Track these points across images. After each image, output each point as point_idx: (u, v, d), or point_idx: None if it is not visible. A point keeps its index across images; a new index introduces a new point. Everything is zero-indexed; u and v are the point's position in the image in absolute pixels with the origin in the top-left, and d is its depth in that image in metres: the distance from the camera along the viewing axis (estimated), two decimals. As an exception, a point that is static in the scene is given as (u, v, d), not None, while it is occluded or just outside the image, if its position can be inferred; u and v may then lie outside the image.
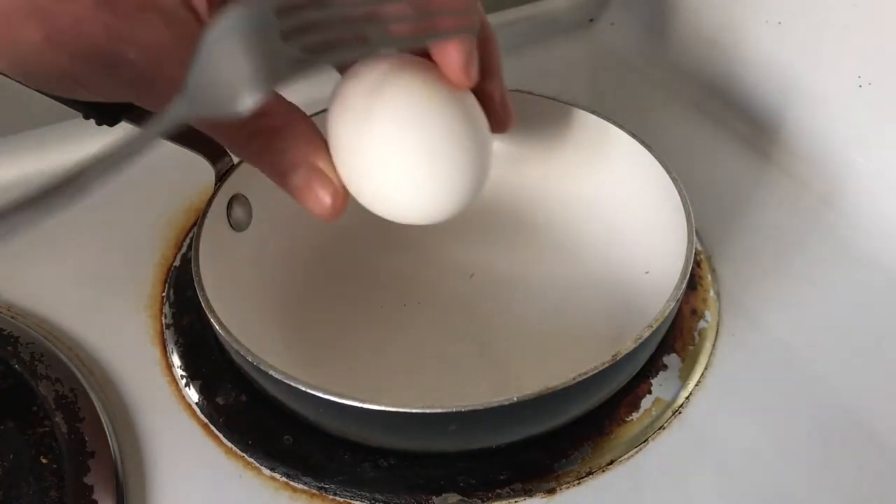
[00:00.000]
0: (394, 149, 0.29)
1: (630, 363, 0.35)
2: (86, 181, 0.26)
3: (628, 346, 0.32)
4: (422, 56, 0.31)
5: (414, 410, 0.30)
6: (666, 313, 0.34)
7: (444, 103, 0.30)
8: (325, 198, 0.31)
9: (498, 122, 0.33)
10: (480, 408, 0.30)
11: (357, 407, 0.30)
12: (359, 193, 0.31)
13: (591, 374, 0.31)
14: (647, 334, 0.33)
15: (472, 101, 0.31)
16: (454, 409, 0.30)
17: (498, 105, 0.33)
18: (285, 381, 0.31)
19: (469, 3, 0.30)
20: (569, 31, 0.61)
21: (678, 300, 0.34)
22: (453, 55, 0.29)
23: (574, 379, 0.31)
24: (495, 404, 0.30)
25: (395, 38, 0.28)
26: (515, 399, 0.30)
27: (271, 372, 0.32)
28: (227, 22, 0.25)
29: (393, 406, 0.30)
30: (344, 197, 0.31)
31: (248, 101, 0.26)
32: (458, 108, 0.30)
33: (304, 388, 0.31)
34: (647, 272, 0.40)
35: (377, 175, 0.30)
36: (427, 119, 0.29)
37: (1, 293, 0.43)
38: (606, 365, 0.31)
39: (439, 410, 0.30)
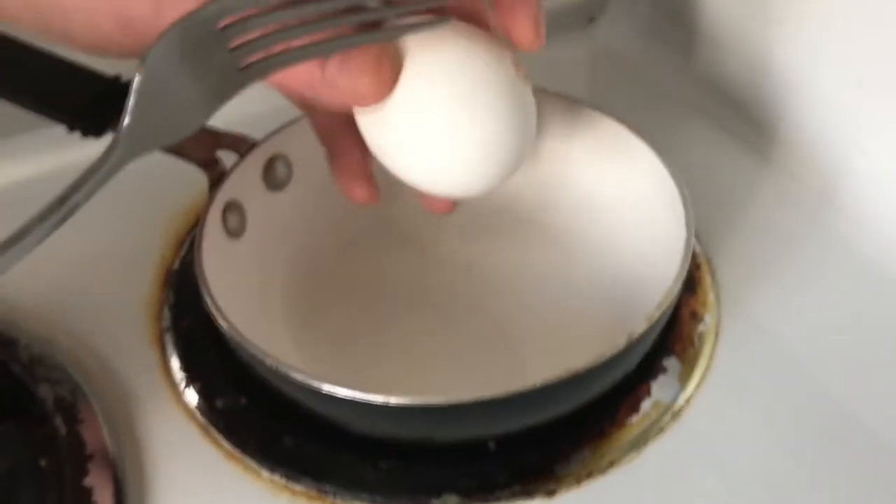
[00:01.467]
0: (434, 118, 0.29)
1: (640, 346, 0.35)
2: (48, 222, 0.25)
3: (641, 326, 0.33)
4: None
5: (440, 402, 0.31)
6: (673, 293, 0.34)
7: (490, 74, 0.29)
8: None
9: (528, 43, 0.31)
10: (504, 395, 0.30)
11: (381, 403, 0.31)
12: (395, 165, 0.31)
13: (609, 356, 0.32)
14: (657, 314, 0.33)
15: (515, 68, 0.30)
16: (477, 399, 0.30)
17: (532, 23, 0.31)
18: (308, 381, 0.31)
19: None
20: (569, 30, 0.61)
21: (683, 281, 0.34)
22: (523, 18, 0.29)
23: (594, 361, 0.31)
24: (518, 391, 0.30)
25: (352, 36, 0.27)
26: (538, 385, 0.30)
27: (292, 374, 0.32)
28: (166, 44, 0.24)
29: (417, 400, 0.30)
30: None
31: (199, 121, 0.26)
32: (503, 77, 0.29)
33: (327, 389, 0.31)
34: (644, 259, 0.40)
35: (416, 146, 0.29)
36: (472, 88, 0.29)
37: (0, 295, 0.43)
38: (622, 346, 0.32)
39: (464, 400, 0.30)
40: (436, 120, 0.29)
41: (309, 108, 0.35)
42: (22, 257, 0.26)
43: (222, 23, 0.25)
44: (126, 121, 0.25)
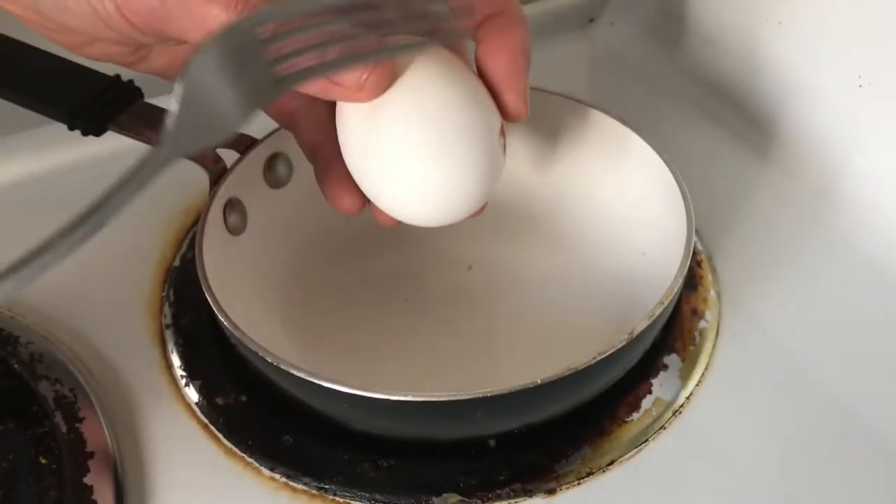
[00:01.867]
0: (403, 149, 0.29)
1: (642, 342, 0.35)
2: (83, 231, 0.26)
3: (643, 322, 0.33)
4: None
5: (441, 399, 0.31)
6: (675, 290, 0.34)
7: (459, 101, 0.30)
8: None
9: (512, 112, 0.32)
10: (506, 392, 0.30)
11: (384, 399, 0.31)
12: (367, 191, 0.31)
13: (610, 352, 0.32)
14: (658, 311, 0.33)
15: (486, 96, 0.31)
16: (480, 395, 0.30)
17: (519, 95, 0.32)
18: (308, 378, 0.31)
19: (465, 4, 0.30)
20: (569, 31, 0.61)
21: (684, 278, 0.34)
22: (513, 89, 0.31)
23: (595, 359, 0.31)
24: (520, 388, 0.30)
25: (381, 48, 0.28)
26: (539, 381, 0.30)
27: (293, 371, 0.32)
28: (208, 52, 0.25)
29: (420, 396, 0.31)
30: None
31: (234, 128, 0.26)
32: (472, 106, 0.30)
33: (328, 386, 0.31)
34: (643, 253, 0.40)
35: (386, 176, 0.30)
36: (440, 119, 0.29)
37: None
38: (624, 343, 0.32)
39: (466, 397, 0.30)
40: (412, 162, 0.30)
41: (293, 125, 0.36)
42: (55, 264, 0.26)
43: (261, 33, 0.26)
44: (169, 125, 0.25)
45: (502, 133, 0.32)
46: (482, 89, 0.31)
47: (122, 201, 0.26)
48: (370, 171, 0.31)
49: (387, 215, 0.34)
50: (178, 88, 0.25)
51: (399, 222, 0.34)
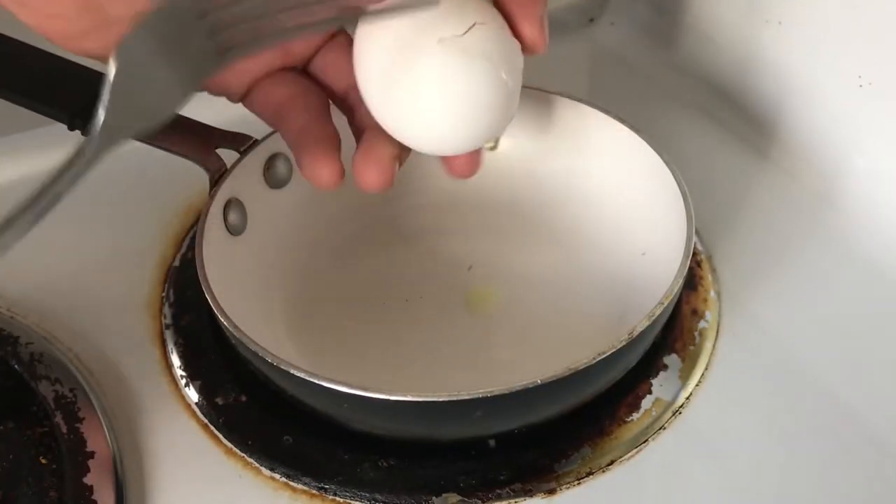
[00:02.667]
0: (429, 78, 0.29)
1: (642, 342, 0.35)
2: (31, 212, 0.25)
3: (643, 323, 0.33)
4: None
5: (442, 399, 0.31)
6: (675, 290, 0.34)
7: (479, 31, 0.29)
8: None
9: (528, 42, 0.32)
10: (506, 392, 0.30)
11: (384, 399, 0.31)
12: (391, 123, 0.31)
13: (610, 352, 0.32)
14: (658, 311, 0.33)
15: (504, 27, 0.31)
16: (480, 395, 0.30)
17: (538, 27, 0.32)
18: (308, 378, 0.31)
19: None
20: (569, 31, 0.61)
21: (684, 278, 0.34)
22: (530, 18, 0.30)
23: (595, 359, 0.31)
24: (520, 388, 0.30)
25: (325, 19, 0.27)
26: (539, 382, 0.31)
27: (293, 371, 0.32)
28: (141, 32, 0.24)
29: (420, 396, 0.31)
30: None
31: (173, 109, 0.26)
32: (492, 36, 0.30)
33: (328, 386, 0.31)
34: (643, 253, 0.40)
35: (411, 104, 0.30)
36: (458, 52, 0.29)
37: (0, 293, 0.43)
38: (624, 343, 0.32)
39: (466, 397, 0.30)
40: (427, 77, 0.29)
41: (280, 117, 0.34)
42: (2, 253, 0.25)
43: (198, 6, 0.25)
44: (101, 113, 0.25)
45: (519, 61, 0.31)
46: (500, 19, 0.31)
47: (57, 196, 0.25)
48: (395, 101, 0.30)
49: (458, 164, 0.33)
50: (109, 71, 0.24)
51: (473, 168, 0.33)
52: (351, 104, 0.34)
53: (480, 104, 0.30)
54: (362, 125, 0.33)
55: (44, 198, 0.25)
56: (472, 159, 0.34)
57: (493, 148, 0.35)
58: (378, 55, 0.30)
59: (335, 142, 0.33)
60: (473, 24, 0.29)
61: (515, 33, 0.31)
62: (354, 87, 0.32)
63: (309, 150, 0.33)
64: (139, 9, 0.30)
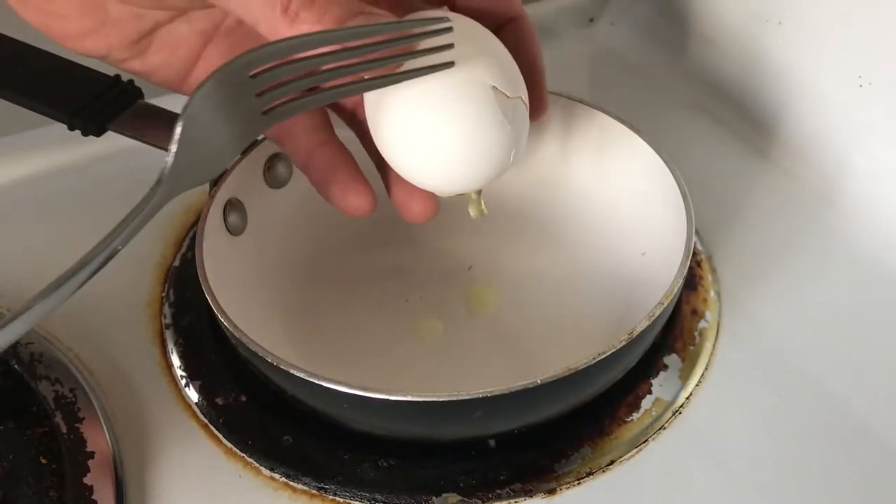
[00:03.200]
0: (441, 121, 0.30)
1: (642, 343, 0.35)
2: (87, 270, 0.28)
3: (643, 323, 0.33)
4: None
5: (442, 399, 0.31)
6: (675, 290, 0.34)
7: (491, 74, 0.30)
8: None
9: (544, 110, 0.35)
10: (506, 392, 0.30)
11: (384, 399, 0.31)
12: (395, 163, 0.32)
13: (610, 352, 0.32)
14: (658, 311, 0.33)
15: (515, 68, 0.31)
16: (480, 395, 0.30)
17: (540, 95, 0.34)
18: (308, 379, 0.31)
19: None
20: (569, 31, 0.61)
21: (684, 278, 0.34)
22: (538, 87, 0.33)
23: (595, 359, 0.31)
24: (520, 388, 0.30)
25: (368, 81, 0.29)
26: (539, 381, 0.30)
27: (293, 371, 0.32)
28: (205, 93, 0.26)
29: (420, 396, 0.30)
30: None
31: (227, 164, 0.29)
32: (505, 78, 0.30)
33: (328, 386, 0.31)
34: (643, 253, 0.40)
35: (415, 145, 0.30)
36: (468, 92, 0.30)
37: (0, 293, 0.43)
38: (623, 343, 0.32)
39: (466, 397, 0.30)
40: (428, 115, 0.30)
41: (284, 135, 0.35)
42: (64, 300, 0.28)
43: (252, 71, 0.27)
44: (170, 165, 0.27)
45: (526, 104, 0.32)
46: (511, 63, 0.32)
47: (127, 238, 0.28)
48: (407, 144, 0.31)
49: (413, 208, 0.34)
50: (177, 128, 0.26)
51: (429, 213, 0.34)
52: (361, 120, 0.34)
53: (481, 145, 0.30)
54: None
55: (102, 251, 0.28)
56: (427, 207, 0.34)
57: (478, 210, 0.36)
58: (389, 101, 0.30)
59: (354, 164, 0.34)
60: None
61: (535, 97, 0.33)
62: (360, 104, 0.33)
63: (333, 178, 0.33)
64: (139, 10, 0.31)
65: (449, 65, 0.29)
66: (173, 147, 0.27)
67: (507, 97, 0.30)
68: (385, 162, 0.33)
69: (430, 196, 0.34)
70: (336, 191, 0.33)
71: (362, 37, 0.27)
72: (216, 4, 0.28)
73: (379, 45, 0.27)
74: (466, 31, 0.31)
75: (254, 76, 0.27)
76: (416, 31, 0.28)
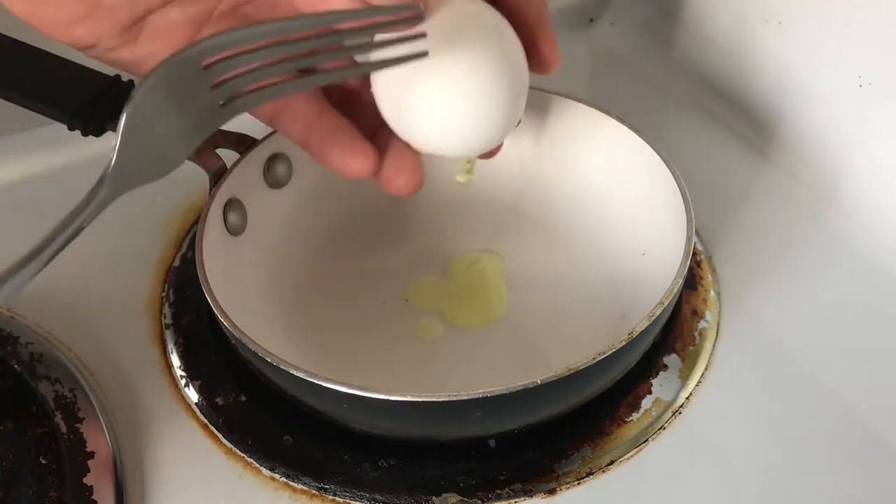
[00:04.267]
0: (444, 87, 0.30)
1: (642, 342, 0.35)
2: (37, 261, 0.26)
3: (643, 323, 0.33)
4: None
5: (441, 399, 0.31)
6: (675, 290, 0.34)
7: (488, 42, 0.30)
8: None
9: (544, 63, 0.33)
10: (505, 392, 0.30)
11: (384, 399, 0.31)
12: (399, 126, 0.32)
13: (610, 352, 0.32)
14: (658, 311, 0.33)
15: (514, 41, 0.32)
16: (480, 395, 0.30)
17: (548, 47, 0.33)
18: (308, 379, 0.31)
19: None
20: (569, 30, 0.61)
21: (684, 278, 0.34)
22: (546, 47, 0.32)
23: (595, 359, 0.31)
24: (520, 388, 0.30)
25: (329, 72, 0.28)
26: (539, 381, 0.30)
27: (293, 371, 0.32)
28: (151, 83, 0.25)
29: (420, 396, 0.30)
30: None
31: (179, 161, 0.27)
32: (499, 49, 0.31)
33: (328, 386, 0.31)
34: (643, 253, 0.40)
35: (426, 110, 0.30)
36: (469, 58, 0.30)
37: None
38: (623, 343, 0.32)
39: (466, 397, 0.30)
40: (440, 88, 0.30)
41: (277, 118, 0.34)
42: (14, 294, 0.26)
43: (205, 62, 0.25)
44: (113, 162, 0.25)
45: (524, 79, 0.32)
46: (511, 34, 0.32)
47: (62, 244, 0.26)
48: (411, 107, 0.31)
49: (398, 181, 0.33)
50: (120, 121, 0.25)
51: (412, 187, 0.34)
52: (354, 91, 0.33)
53: (485, 107, 0.31)
54: (377, 124, 0.33)
55: (49, 245, 0.26)
56: (413, 180, 0.33)
57: (467, 177, 0.36)
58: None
59: (353, 127, 0.33)
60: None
61: (534, 51, 0.32)
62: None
63: (333, 141, 0.32)
64: None
65: (423, 55, 0.28)
66: (117, 142, 0.25)
67: (509, 73, 0.31)
68: (314, 132, 0.32)
69: (416, 170, 0.33)
70: (336, 153, 0.32)
71: (326, 24, 0.26)
72: None
73: (346, 34, 0.26)
74: (469, 9, 0.31)
75: (207, 67, 0.25)
76: (384, 19, 0.27)
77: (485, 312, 0.41)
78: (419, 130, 0.32)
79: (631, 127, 0.41)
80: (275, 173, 0.42)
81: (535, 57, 0.32)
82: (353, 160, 0.32)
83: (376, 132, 0.33)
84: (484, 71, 0.30)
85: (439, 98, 0.30)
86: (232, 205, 0.39)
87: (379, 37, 0.29)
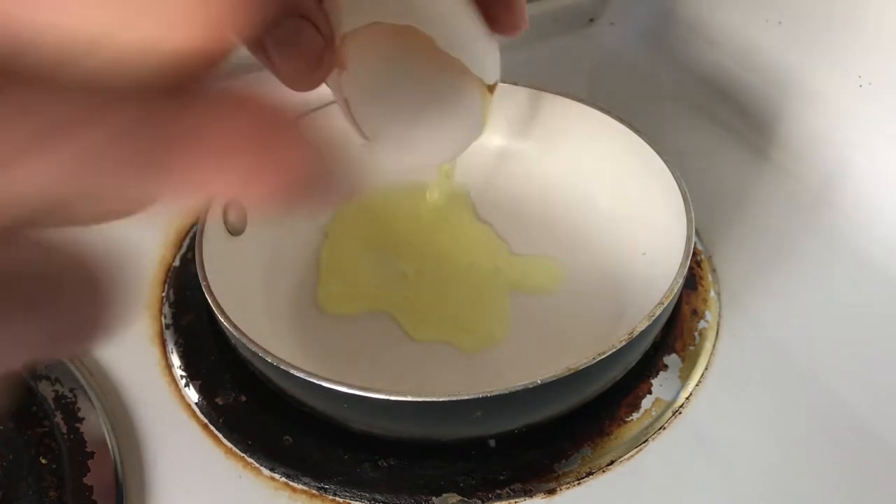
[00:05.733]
0: (403, 98, 0.30)
1: (642, 342, 0.35)
2: None
3: (643, 323, 0.33)
4: None
5: (441, 399, 0.31)
6: (675, 290, 0.34)
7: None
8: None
9: (511, 24, 0.31)
10: (505, 392, 0.30)
11: (384, 399, 0.31)
12: (378, 140, 0.32)
13: (610, 352, 0.32)
14: (658, 311, 0.33)
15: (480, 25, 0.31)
16: (480, 395, 0.30)
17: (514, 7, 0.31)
18: (308, 379, 0.31)
19: None
20: (569, 30, 0.61)
21: (684, 278, 0.34)
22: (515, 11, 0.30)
23: (595, 359, 0.31)
24: (520, 388, 0.30)
25: None
26: (539, 381, 0.31)
27: (293, 371, 0.32)
28: None
29: (420, 396, 0.31)
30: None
31: None
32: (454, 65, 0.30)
33: (329, 385, 0.31)
34: (643, 253, 0.40)
35: (393, 121, 0.31)
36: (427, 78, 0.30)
37: None
38: (623, 343, 0.32)
39: (466, 397, 0.30)
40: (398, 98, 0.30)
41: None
42: None
43: None
44: None
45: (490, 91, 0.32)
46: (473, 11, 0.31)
47: None
48: (379, 116, 0.31)
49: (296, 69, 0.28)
50: None
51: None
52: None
53: (455, 128, 0.31)
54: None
55: None
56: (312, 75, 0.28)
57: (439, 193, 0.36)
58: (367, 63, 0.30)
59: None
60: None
61: (497, 17, 0.30)
62: None
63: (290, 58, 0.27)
64: None
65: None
66: None
67: (477, 86, 0.31)
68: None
69: (319, 59, 0.28)
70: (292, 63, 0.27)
71: None
72: None
73: None
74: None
75: None
76: None
77: (490, 334, 0.40)
78: (391, 142, 0.32)
79: (631, 127, 0.41)
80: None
81: (502, 14, 0.30)
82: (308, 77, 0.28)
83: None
84: (455, 99, 0.30)
85: (412, 124, 0.30)
86: (232, 205, 0.39)
87: None
